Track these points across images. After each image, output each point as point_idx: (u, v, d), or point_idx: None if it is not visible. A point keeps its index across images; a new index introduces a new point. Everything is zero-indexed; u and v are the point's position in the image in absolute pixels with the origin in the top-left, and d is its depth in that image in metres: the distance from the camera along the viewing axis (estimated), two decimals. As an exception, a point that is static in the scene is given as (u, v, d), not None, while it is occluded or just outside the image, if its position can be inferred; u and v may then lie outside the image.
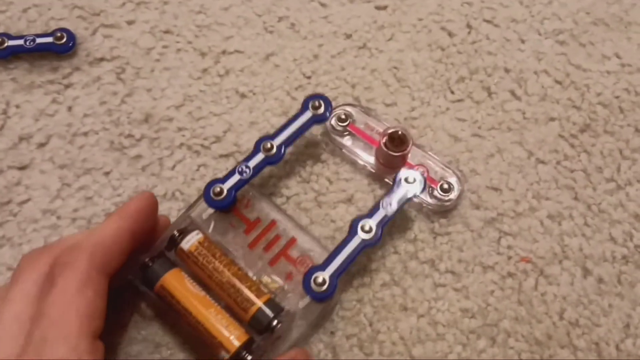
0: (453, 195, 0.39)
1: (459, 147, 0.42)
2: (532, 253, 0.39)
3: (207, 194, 0.37)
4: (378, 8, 0.47)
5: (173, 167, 0.42)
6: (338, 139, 0.41)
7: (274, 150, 0.38)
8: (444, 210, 0.40)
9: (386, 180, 0.40)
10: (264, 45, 0.46)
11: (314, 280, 0.34)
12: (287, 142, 0.38)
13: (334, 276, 0.34)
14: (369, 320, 0.37)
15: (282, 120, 0.43)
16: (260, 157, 0.38)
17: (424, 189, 0.37)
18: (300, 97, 0.44)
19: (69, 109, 0.44)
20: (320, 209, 0.40)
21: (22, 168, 0.41)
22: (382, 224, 0.36)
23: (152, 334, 0.36)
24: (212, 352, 0.33)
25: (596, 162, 0.41)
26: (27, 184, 0.41)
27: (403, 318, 0.37)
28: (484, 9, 0.47)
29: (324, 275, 0.34)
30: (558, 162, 0.41)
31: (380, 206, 0.36)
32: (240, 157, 0.42)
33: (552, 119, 0.43)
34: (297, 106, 0.43)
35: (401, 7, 0.47)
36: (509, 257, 0.39)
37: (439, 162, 0.40)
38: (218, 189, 0.36)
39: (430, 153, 0.40)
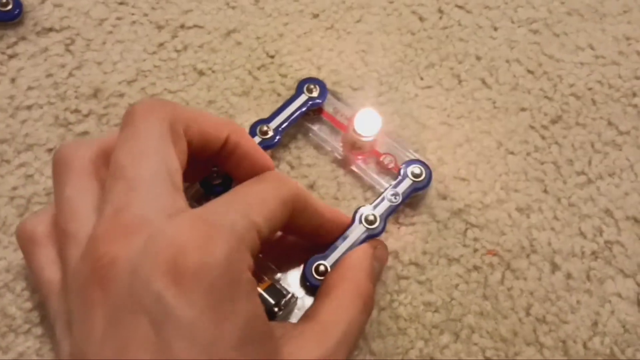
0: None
1: (427, 135, 0.40)
2: (499, 246, 0.37)
3: (204, 181, 0.35)
4: (347, -11, 0.45)
5: (123, 146, 0.39)
6: (305, 122, 0.39)
7: (270, 133, 0.37)
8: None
9: (352, 167, 0.38)
10: (226, 21, 0.43)
11: (315, 268, 0.33)
12: (284, 125, 0.37)
13: (335, 265, 0.33)
14: (326, 313, 0.35)
15: (243, 101, 0.41)
16: (256, 140, 0.37)
17: (429, 182, 0.36)
18: (263, 77, 0.41)
19: (12, 80, 0.40)
20: (279, 195, 0.38)
21: (-44, 141, 0.38)
22: (386, 215, 0.35)
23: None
24: None
25: (567, 154, 0.40)
26: (-38, 159, 0.38)
27: (363, 311, 0.35)
28: (456, -6, 0.45)
29: (325, 264, 0.33)
30: (528, 154, 0.40)
31: (385, 197, 0.36)
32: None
33: (523, 109, 0.41)
34: (258, 86, 0.41)
35: (371, -11, 0.45)
36: (475, 250, 0.37)
37: (407, 151, 0.38)
38: (215, 174, 0.35)
39: (399, 142, 0.38)
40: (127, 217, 0.24)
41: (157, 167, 0.26)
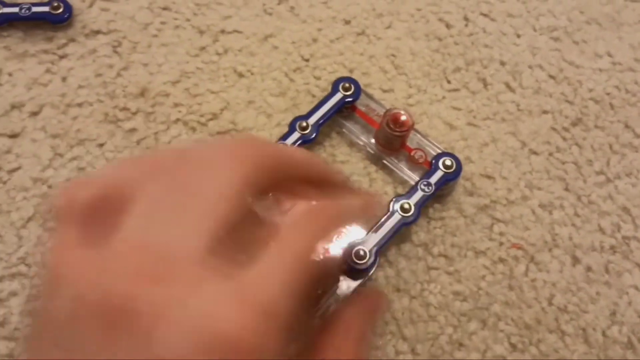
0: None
1: (454, 135, 0.43)
2: (523, 240, 0.39)
3: None
4: (377, -4, 0.48)
5: (169, 142, 0.41)
6: (339, 119, 0.42)
7: (309, 129, 0.39)
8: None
9: (384, 162, 0.41)
10: (263, 27, 0.46)
11: (355, 253, 0.35)
12: (321, 121, 0.40)
13: (374, 250, 0.36)
14: (361, 300, 0.37)
15: (280, 101, 0.43)
16: (295, 135, 0.39)
17: (459, 174, 0.39)
18: (298, 79, 0.44)
19: (63, 79, 0.43)
20: (315, 189, 0.40)
21: (12, 136, 0.41)
22: (420, 203, 0.38)
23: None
24: None
25: (587, 155, 0.42)
26: (18, 152, 0.40)
27: (396, 299, 0.37)
28: (481, 3, 0.48)
29: (364, 249, 0.35)
30: (550, 154, 0.42)
31: (418, 188, 0.38)
32: (237, 135, 0.41)
33: (545, 112, 0.44)
34: (294, 87, 0.43)
35: (400, -3, 0.48)
36: (501, 244, 0.39)
37: (436, 147, 0.40)
38: None
39: (428, 139, 0.41)
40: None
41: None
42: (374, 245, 0.36)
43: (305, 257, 0.23)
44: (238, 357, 0.19)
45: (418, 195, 0.38)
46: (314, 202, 0.26)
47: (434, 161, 0.39)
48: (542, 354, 0.36)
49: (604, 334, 0.37)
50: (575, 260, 0.39)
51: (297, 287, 0.22)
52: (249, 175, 0.23)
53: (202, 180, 0.22)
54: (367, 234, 0.37)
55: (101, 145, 0.41)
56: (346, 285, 0.36)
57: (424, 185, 0.38)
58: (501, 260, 0.39)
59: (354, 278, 0.36)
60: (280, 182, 0.25)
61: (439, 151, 0.40)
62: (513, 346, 0.37)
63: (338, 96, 0.41)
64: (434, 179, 0.38)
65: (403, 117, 0.38)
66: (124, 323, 0.19)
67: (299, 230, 0.24)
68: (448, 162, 0.39)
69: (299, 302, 0.22)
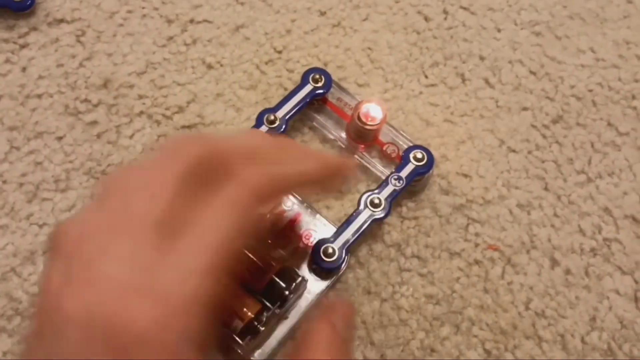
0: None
1: (431, 131, 0.41)
2: (499, 241, 0.38)
3: None
4: (354, -12, 0.46)
5: (131, 136, 0.39)
6: (310, 112, 0.40)
7: (278, 122, 0.38)
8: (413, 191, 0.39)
9: (356, 156, 0.39)
10: (234, 16, 0.44)
11: (324, 251, 0.34)
12: (290, 114, 0.38)
13: (343, 248, 0.35)
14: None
15: (251, 94, 0.41)
16: (263, 129, 0.37)
17: (431, 167, 0.37)
18: (270, 71, 0.42)
19: (23, 69, 0.41)
20: (284, 186, 0.38)
21: (-33, 128, 0.39)
22: (391, 198, 0.36)
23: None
24: (225, 321, 0.32)
25: (567, 153, 0.41)
26: (-28, 145, 0.38)
27: (366, 302, 0.36)
28: (461, -4, 0.46)
29: (333, 246, 0.34)
30: (529, 152, 0.41)
31: (389, 182, 0.36)
32: (204, 129, 0.40)
33: (525, 109, 0.42)
34: (266, 80, 0.42)
35: (378, -11, 0.46)
36: (477, 245, 0.38)
37: (409, 142, 0.39)
38: None
39: (402, 132, 0.39)
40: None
41: None
42: (343, 243, 0.35)
43: (230, 237, 0.22)
44: (141, 349, 0.19)
45: (389, 189, 0.36)
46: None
47: (404, 154, 0.37)
48: (518, 360, 0.35)
49: (583, 340, 0.36)
50: (554, 263, 0.37)
51: (216, 269, 0.21)
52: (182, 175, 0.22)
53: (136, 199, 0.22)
54: (336, 231, 0.35)
55: (60, 138, 0.39)
56: (315, 285, 0.35)
57: (395, 179, 0.36)
58: (476, 262, 0.37)
59: (323, 278, 0.35)
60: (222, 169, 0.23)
61: (411, 144, 0.38)
62: (488, 352, 0.35)
63: (308, 88, 0.39)
64: (404, 172, 0.37)
65: (374, 111, 0.36)
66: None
67: (228, 207, 0.22)
68: (419, 155, 0.37)
69: (219, 287, 0.21)
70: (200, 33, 0.43)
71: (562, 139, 0.41)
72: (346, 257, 0.35)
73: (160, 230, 0.21)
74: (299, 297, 0.34)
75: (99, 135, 0.39)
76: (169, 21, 0.43)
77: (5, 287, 0.35)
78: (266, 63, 0.42)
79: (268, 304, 0.33)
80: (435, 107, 0.42)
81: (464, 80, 0.43)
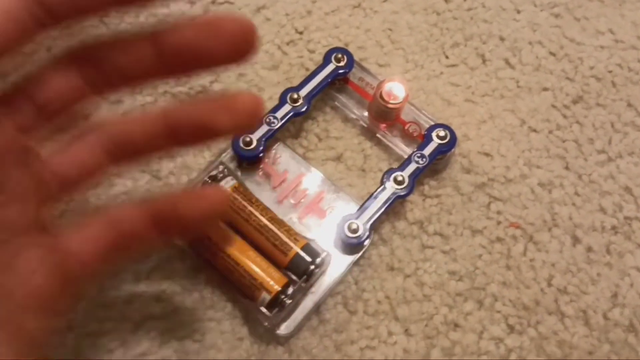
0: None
1: (452, 111, 0.41)
2: (521, 219, 0.38)
3: (236, 145, 0.36)
4: (373, -30, 0.46)
5: (155, 115, 0.40)
6: (332, 92, 0.40)
7: (301, 101, 0.38)
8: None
9: (378, 135, 0.39)
10: (256, -2, 0.44)
11: (348, 226, 0.34)
12: (313, 94, 0.38)
13: (367, 223, 0.35)
14: (354, 279, 0.36)
15: (272, 74, 0.42)
16: (286, 108, 0.38)
17: (454, 145, 0.37)
18: (292, 52, 0.42)
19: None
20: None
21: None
22: (414, 176, 0.36)
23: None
24: (251, 294, 0.33)
25: (588, 133, 0.41)
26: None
27: (389, 278, 0.36)
28: (480, -22, 0.46)
29: (357, 222, 0.34)
30: (550, 132, 0.41)
31: (412, 159, 0.37)
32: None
33: (545, 89, 0.42)
34: (287, 60, 0.42)
35: (397, -29, 0.46)
36: (498, 222, 0.38)
37: (431, 121, 0.39)
38: (248, 139, 0.36)
39: (423, 111, 0.39)
40: None
41: None
42: (368, 219, 0.35)
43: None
44: None
45: (412, 167, 0.36)
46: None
47: (427, 132, 0.38)
48: (541, 335, 0.35)
49: (605, 316, 0.36)
50: (576, 241, 0.38)
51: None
52: None
53: None
54: (360, 207, 0.35)
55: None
56: (340, 261, 0.35)
57: (418, 157, 0.37)
58: (499, 239, 0.38)
59: (348, 253, 0.35)
60: None
61: (433, 123, 0.39)
62: (511, 327, 0.35)
63: (330, 67, 0.39)
64: (427, 150, 0.37)
65: (396, 89, 0.37)
66: None
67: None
68: (442, 133, 0.37)
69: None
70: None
71: (582, 119, 0.41)
72: (370, 234, 0.35)
73: None
74: (324, 272, 0.35)
75: (124, 115, 0.39)
76: (191, 2, 0.43)
77: None
78: (287, 44, 0.43)
79: (295, 277, 0.33)
80: (456, 87, 0.42)
81: (484, 60, 0.43)
